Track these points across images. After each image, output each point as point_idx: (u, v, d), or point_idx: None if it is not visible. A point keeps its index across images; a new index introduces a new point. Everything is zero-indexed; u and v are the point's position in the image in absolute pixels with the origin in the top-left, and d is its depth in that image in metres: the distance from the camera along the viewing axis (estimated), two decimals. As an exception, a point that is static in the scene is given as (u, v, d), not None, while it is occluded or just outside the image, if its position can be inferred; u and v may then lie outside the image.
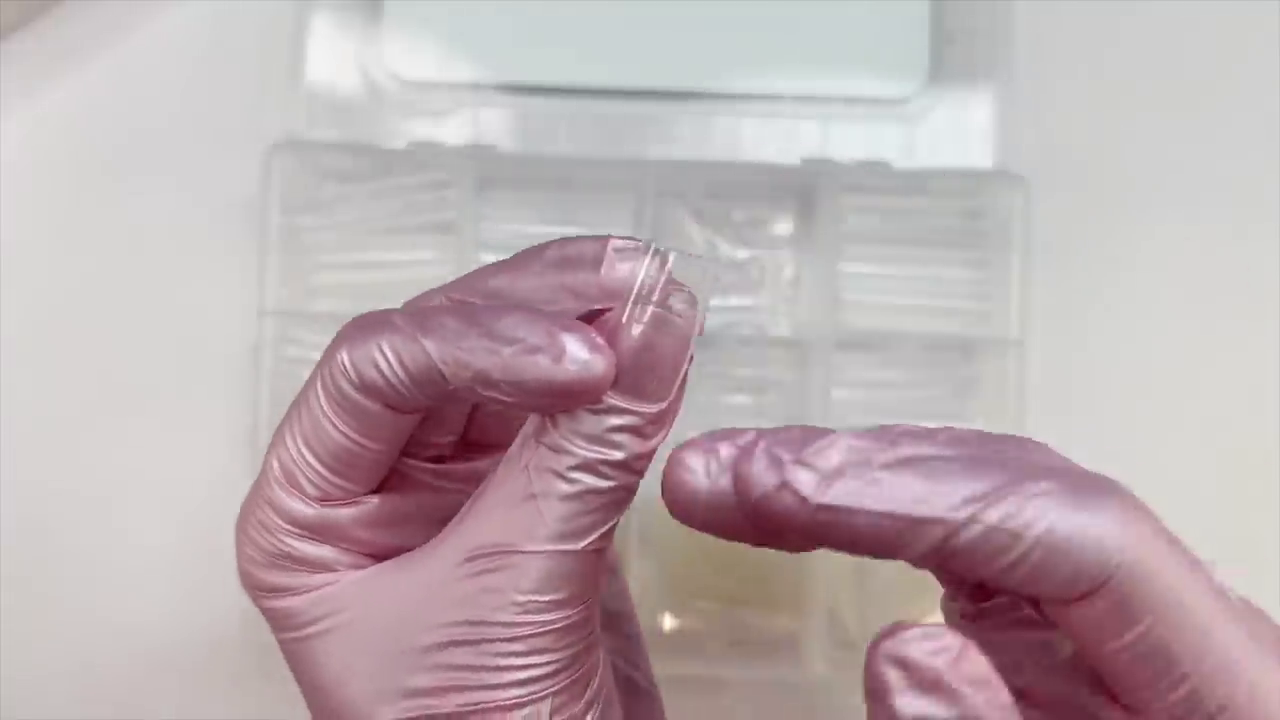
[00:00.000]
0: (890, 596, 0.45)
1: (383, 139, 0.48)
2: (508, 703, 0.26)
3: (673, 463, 0.25)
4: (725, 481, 0.25)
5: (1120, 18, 0.49)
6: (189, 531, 0.47)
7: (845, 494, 0.24)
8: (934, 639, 0.21)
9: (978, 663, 0.21)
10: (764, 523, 0.25)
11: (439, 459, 0.29)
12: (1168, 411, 0.47)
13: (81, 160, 0.49)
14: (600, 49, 0.49)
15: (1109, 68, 0.49)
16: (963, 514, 0.23)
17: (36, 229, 0.49)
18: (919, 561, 0.24)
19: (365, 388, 0.26)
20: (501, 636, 0.25)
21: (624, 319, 0.25)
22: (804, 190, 0.47)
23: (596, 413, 0.25)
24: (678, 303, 0.26)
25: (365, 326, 0.26)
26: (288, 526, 0.27)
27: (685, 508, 0.25)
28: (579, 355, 0.24)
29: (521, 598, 0.25)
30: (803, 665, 0.45)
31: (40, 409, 0.48)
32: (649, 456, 0.26)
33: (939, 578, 0.29)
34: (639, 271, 0.26)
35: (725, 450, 0.25)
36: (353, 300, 0.46)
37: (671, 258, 0.26)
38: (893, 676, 0.21)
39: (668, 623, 0.46)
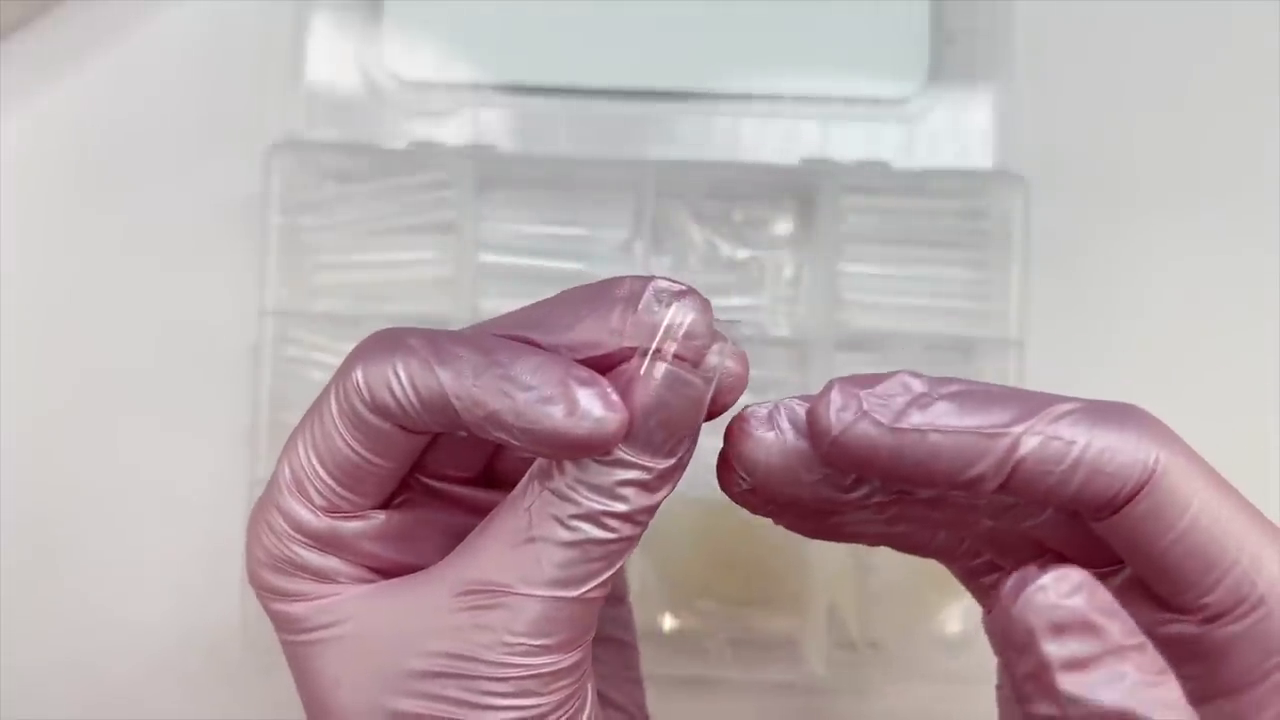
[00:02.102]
0: (890, 596, 0.45)
1: (383, 139, 0.48)
2: None
3: (736, 432, 0.26)
4: (792, 438, 0.26)
5: (1120, 18, 0.49)
6: (189, 531, 0.47)
7: (920, 419, 0.25)
8: (1066, 579, 0.23)
9: (1105, 594, 0.23)
10: (845, 457, 0.25)
11: (455, 480, 0.29)
12: (1167, 412, 0.47)
13: (81, 160, 0.49)
14: (600, 49, 0.49)
15: (1109, 68, 0.49)
16: (1020, 427, 0.25)
17: (36, 229, 0.49)
18: (986, 482, 0.25)
19: (377, 408, 0.26)
20: (489, 675, 0.25)
21: (641, 372, 0.25)
22: (804, 190, 0.47)
23: (604, 464, 0.25)
24: (696, 352, 0.25)
25: (382, 346, 0.26)
26: (295, 534, 0.27)
27: (759, 468, 0.26)
28: (592, 412, 0.24)
29: (512, 639, 0.25)
30: (803, 665, 0.45)
31: (39, 409, 0.48)
32: (653, 510, 0.26)
33: (980, 596, 0.30)
34: (663, 321, 0.25)
35: (786, 409, 0.26)
36: (353, 300, 0.47)
37: (692, 313, 0.25)
38: (1037, 623, 0.22)
39: (668, 623, 0.46)
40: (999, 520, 0.27)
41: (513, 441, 0.25)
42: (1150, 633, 0.26)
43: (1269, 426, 0.47)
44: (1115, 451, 0.25)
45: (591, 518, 0.25)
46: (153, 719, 0.47)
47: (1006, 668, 0.23)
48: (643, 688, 0.32)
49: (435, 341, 0.26)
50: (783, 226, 0.48)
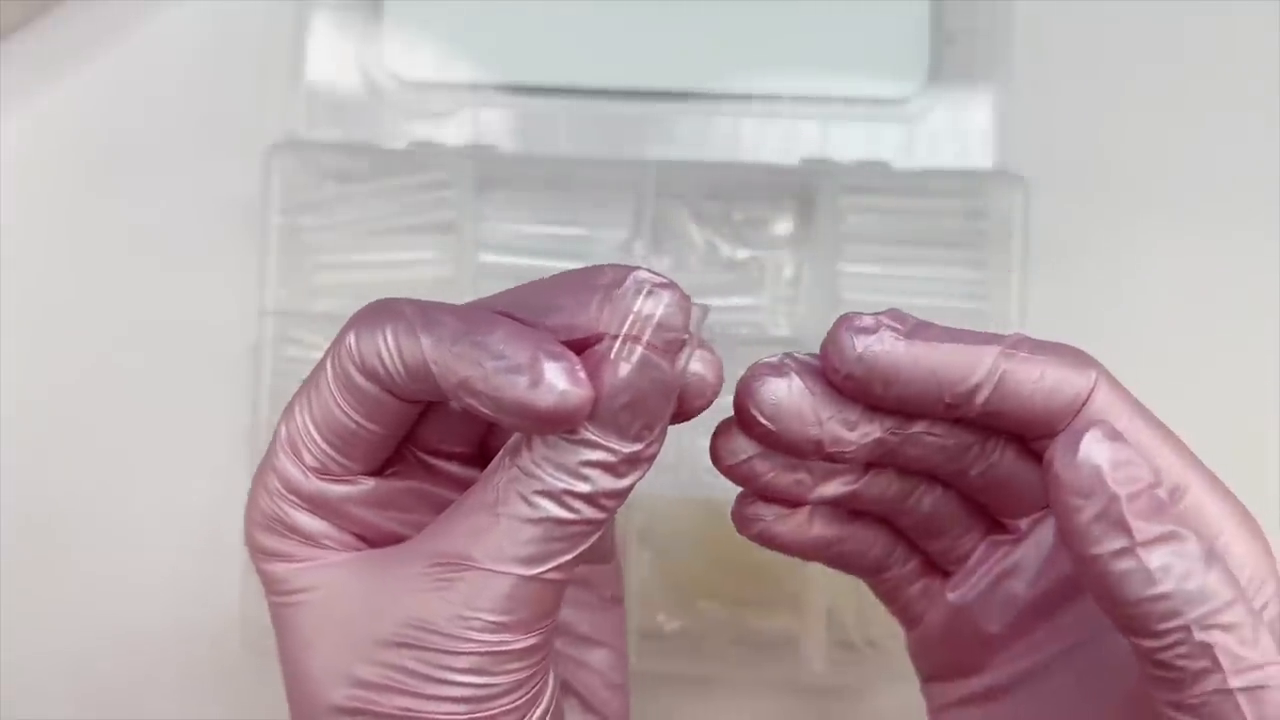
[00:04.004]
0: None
1: (383, 139, 0.48)
2: (440, 718, 0.26)
3: (750, 380, 0.27)
4: (801, 382, 0.27)
5: (1120, 18, 0.49)
6: (189, 531, 0.47)
7: (927, 334, 0.27)
8: (1105, 425, 0.26)
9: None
10: (872, 372, 0.26)
11: (448, 456, 0.29)
12: (1167, 412, 0.47)
13: (81, 160, 0.49)
14: (600, 49, 0.49)
15: (1109, 68, 0.49)
16: (996, 345, 0.27)
17: (36, 229, 0.49)
18: (980, 391, 0.27)
19: (367, 372, 0.26)
20: (444, 648, 0.26)
21: (612, 354, 0.25)
22: (804, 190, 0.47)
23: (571, 443, 0.25)
24: (668, 345, 0.25)
25: (377, 312, 0.27)
26: (287, 494, 0.27)
27: (779, 409, 0.27)
28: (556, 385, 0.24)
29: (469, 613, 0.25)
30: (803, 665, 0.45)
31: (40, 409, 0.48)
32: (619, 496, 0.26)
33: (905, 611, 0.31)
34: (634, 307, 0.25)
35: (790, 358, 0.28)
36: (353, 300, 0.46)
37: (665, 305, 0.25)
38: (1102, 462, 0.25)
39: (668, 623, 0.46)
40: (960, 463, 0.28)
41: (484, 410, 0.25)
42: (1068, 569, 0.28)
43: (1269, 426, 0.47)
44: (1065, 365, 0.27)
45: (553, 495, 0.25)
46: (152, 717, 0.47)
47: (1065, 523, 0.25)
48: (627, 696, 0.32)
49: (425, 310, 0.26)
50: (783, 226, 0.48)
